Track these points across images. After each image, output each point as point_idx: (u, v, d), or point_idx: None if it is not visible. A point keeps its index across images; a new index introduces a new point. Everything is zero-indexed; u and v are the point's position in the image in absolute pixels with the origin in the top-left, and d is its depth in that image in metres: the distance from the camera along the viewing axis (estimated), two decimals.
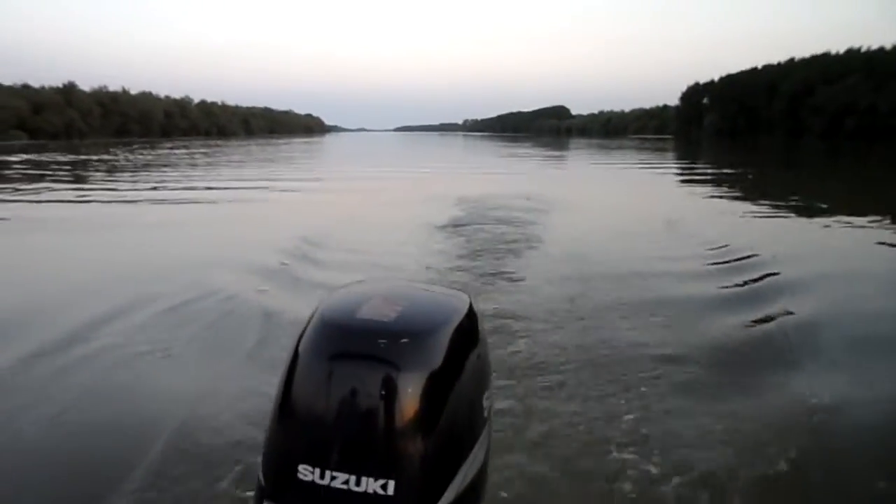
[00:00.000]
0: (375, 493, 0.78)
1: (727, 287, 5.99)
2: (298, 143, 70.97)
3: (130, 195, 15.26)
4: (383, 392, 0.80)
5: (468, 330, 0.91)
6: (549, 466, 2.86)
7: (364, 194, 16.09)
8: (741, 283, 6.10)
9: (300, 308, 4.78)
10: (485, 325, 0.96)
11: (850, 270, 6.72)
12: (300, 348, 0.85)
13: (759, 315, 4.98)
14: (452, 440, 0.85)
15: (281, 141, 79.48)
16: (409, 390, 0.80)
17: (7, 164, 26.97)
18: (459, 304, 0.94)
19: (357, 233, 9.39)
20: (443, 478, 0.83)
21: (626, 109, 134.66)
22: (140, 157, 36.37)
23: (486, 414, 0.92)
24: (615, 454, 2.96)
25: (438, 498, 0.82)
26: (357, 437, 0.80)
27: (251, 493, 0.91)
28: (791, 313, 4.94)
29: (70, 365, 4.01)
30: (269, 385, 0.92)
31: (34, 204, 13.51)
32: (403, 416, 0.80)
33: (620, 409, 3.41)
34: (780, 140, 48.56)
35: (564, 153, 45.92)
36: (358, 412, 0.80)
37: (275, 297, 5.58)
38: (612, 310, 5.34)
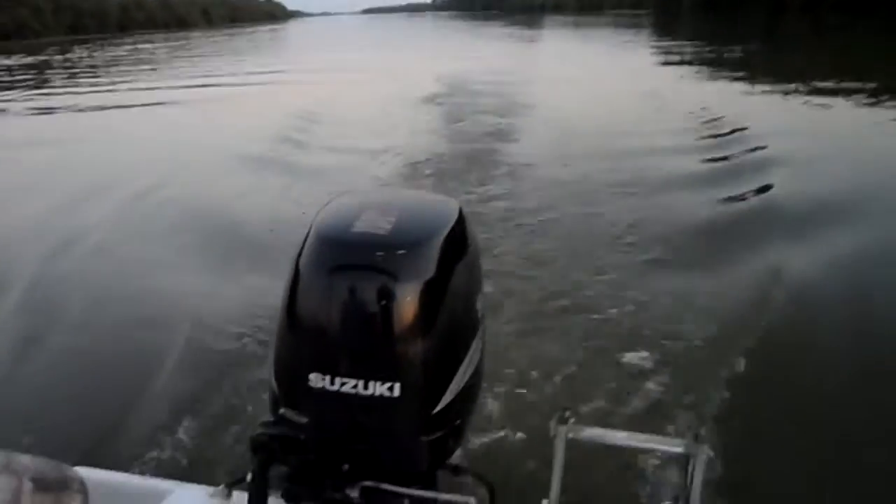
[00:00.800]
0: (382, 395, 0.84)
1: (713, 160, 6.05)
2: (264, 32, 68.02)
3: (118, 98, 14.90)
4: (383, 301, 0.83)
5: (459, 236, 0.95)
6: (532, 332, 3.03)
7: (347, 75, 15.86)
8: (726, 155, 6.13)
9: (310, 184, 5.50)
10: (475, 230, 1.00)
11: (837, 145, 6.57)
12: (300, 264, 0.88)
13: (741, 189, 5.02)
14: (450, 342, 0.90)
15: (245, 30, 75.99)
16: (408, 298, 0.84)
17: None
18: (450, 211, 0.98)
19: (348, 110, 9.67)
20: (444, 377, 0.89)
21: None
22: (117, 54, 34.98)
23: (479, 315, 0.98)
24: (593, 321, 3.12)
25: (441, 395, 0.89)
26: (361, 345, 0.85)
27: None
28: (771, 186, 4.97)
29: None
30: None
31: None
32: (403, 322, 0.84)
33: (601, 281, 3.58)
34: (762, 14, 47.05)
35: (539, 31, 44.55)
36: (360, 321, 0.84)
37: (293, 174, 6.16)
38: (593, 183, 5.52)
